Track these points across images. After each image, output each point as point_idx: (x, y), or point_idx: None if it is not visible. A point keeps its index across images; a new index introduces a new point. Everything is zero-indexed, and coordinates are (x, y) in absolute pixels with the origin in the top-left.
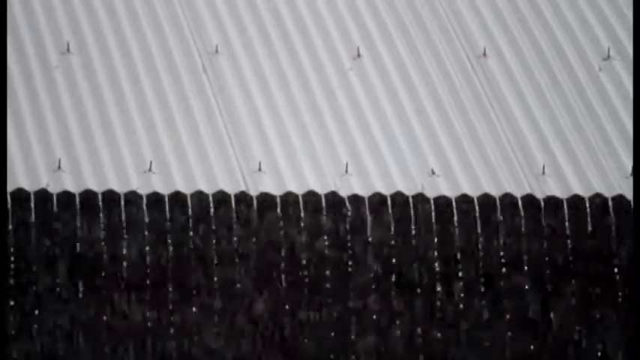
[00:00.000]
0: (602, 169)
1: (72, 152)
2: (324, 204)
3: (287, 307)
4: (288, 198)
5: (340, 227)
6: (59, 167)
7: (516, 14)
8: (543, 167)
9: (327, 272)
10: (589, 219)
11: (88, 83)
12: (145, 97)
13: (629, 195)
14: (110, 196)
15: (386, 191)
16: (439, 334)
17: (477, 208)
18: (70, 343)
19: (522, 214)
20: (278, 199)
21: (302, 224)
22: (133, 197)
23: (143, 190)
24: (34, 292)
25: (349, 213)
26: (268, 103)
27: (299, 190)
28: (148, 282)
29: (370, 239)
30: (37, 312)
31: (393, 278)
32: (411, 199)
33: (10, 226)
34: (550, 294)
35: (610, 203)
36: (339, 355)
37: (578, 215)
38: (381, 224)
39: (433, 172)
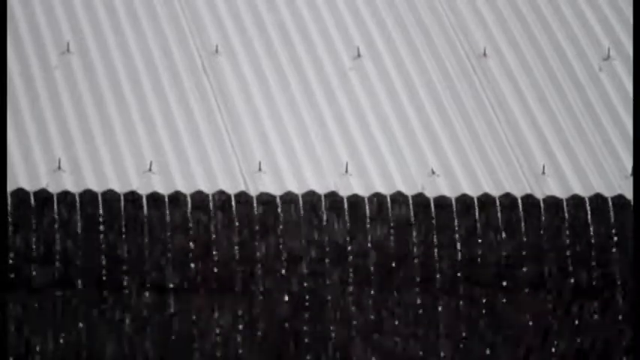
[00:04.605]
0: (602, 169)
1: (72, 152)
2: (323, 204)
3: (286, 306)
4: (288, 198)
5: (340, 227)
6: (59, 167)
7: (516, 14)
8: (543, 167)
9: (328, 272)
10: (589, 219)
11: (88, 83)
12: (145, 97)
13: (629, 195)
14: (110, 196)
15: (386, 191)
16: (438, 336)
17: (476, 208)
18: (69, 342)
19: (522, 214)
20: (278, 199)
21: (302, 224)
22: (132, 197)
23: (143, 190)
24: (34, 291)
25: (349, 213)
26: (268, 103)
27: (299, 190)
28: (147, 282)
29: (370, 239)
30: (35, 311)
31: (394, 278)
32: (410, 199)
33: (10, 226)
34: (550, 293)
35: (610, 203)
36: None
37: (578, 215)
38: (380, 224)
39: (433, 172)
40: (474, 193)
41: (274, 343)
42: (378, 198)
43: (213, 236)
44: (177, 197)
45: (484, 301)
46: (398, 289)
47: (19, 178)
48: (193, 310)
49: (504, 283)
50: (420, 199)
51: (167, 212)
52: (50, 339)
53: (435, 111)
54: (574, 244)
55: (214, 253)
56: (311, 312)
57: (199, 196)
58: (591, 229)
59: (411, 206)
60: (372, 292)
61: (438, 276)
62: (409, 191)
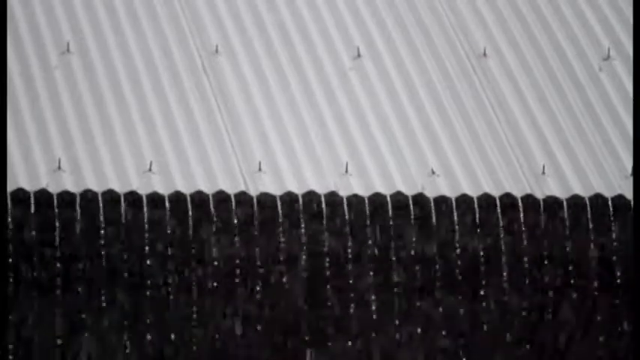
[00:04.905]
0: (602, 169)
1: (72, 152)
2: (323, 204)
3: (286, 306)
4: (288, 198)
5: (340, 227)
6: (59, 167)
7: (516, 14)
8: (543, 167)
9: (327, 272)
10: (589, 219)
11: (88, 83)
12: (145, 97)
13: (629, 195)
14: (110, 196)
15: (386, 191)
16: (443, 336)
17: (476, 208)
18: (69, 342)
19: (522, 214)
20: (278, 199)
21: (302, 224)
22: (132, 197)
23: (143, 190)
24: (34, 291)
25: (349, 213)
26: (268, 103)
27: (299, 190)
28: (148, 282)
29: (370, 239)
30: (36, 311)
31: (394, 278)
32: (411, 199)
33: (10, 226)
34: (550, 293)
35: (610, 203)
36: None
37: (578, 215)
38: (380, 224)
39: (433, 172)
40: (474, 193)
41: (274, 341)
42: (378, 198)
43: (213, 236)
44: (177, 197)
45: (485, 300)
46: (399, 289)
47: (19, 178)
48: (193, 310)
49: (504, 283)
50: (420, 199)
51: (167, 212)
52: (50, 339)
53: (435, 111)
54: (574, 244)
55: (214, 252)
56: (311, 311)
57: (199, 196)
58: (591, 229)
59: (411, 206)
60: (372, 292)
61: (437, 275)
62: (409, 191)
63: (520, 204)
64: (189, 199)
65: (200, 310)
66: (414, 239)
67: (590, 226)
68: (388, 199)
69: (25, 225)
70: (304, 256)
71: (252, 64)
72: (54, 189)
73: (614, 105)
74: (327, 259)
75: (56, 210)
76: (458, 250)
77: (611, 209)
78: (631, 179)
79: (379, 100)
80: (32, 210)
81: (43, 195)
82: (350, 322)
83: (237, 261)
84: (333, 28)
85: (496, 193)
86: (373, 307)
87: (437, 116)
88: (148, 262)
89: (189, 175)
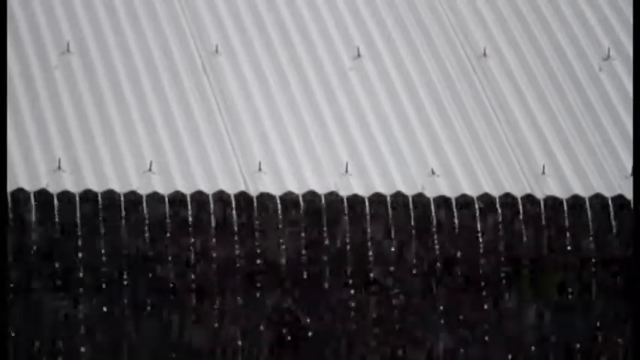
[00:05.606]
0: (602, 169)
1: (72, 152)
2: (323, 204)
3: (286, 307)
4: (288, 198)
5: (340, 227)
6: (59, 167)
7: (516, 14)
8: (543, 167)
9: (327, 272)
10: (589, 219)
11: (88, 83)
12: (145, 97)
13: (629, 195)
14: (110, 196)
15: (386, 191)
16: (440, 335)
17: (477, 208)
18: (69, 341)
19: (522, 214)
20: (278, 199)
21: (302, 224)
22: (133, 197)
23: (143, 190)
24: (34, 291)
25: (349, 213)
26: (268, 103)
27: (299, 190)
28: (147, 281)
29: (370, 239)
30: (36, 311)
31: (394, 278)
32: (410, 199)
33: (10, 226)
34: (550, 294)
35: (610, 203)
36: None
37: (578, 215)
38: (380, 224)
39: (433, 172)
40: (474, 193)
41: (273, 340)
42: (378, 198)
43: (213, 236)
44: (177, 197)
45: (485, 299)
46: (398, 288)
47: (19, 178)
48: (193, 309)
49: (504, 282)
50: (420, 199)
51: (167, 212)
52: (50, 340)
53: (435, 111)
54: (574, 244)
55: (214, 252)
56: (311, 311)
57: (199, 196)
58: (591, 229)
59: (411, 206)
60: (371, 292)
61: (437, 275)
62: (409, 191)
63: (520, 204)
64: (189, 199)
65: (200, 310)
66: (413, 239)
67: (590, 226)
68: (388, 199)
69: (25, 225)
70: (304, 256)
71: (252, 64)
72: (54, 189)
73: (614, 105)
74: (327, 259)
75: (56, 210)
76: (458, 251)
77: (611, 209)
78: (631, 179)
79: (379, 100)
80: (32, 210)
81: (43, 195)
82: (349, 320)
83: (237, 261)
84: (333, 28)
85: (496, 193)
86: (372, 308)
87: (437, 116)
88: (148, 261)
89: (189, 175)
